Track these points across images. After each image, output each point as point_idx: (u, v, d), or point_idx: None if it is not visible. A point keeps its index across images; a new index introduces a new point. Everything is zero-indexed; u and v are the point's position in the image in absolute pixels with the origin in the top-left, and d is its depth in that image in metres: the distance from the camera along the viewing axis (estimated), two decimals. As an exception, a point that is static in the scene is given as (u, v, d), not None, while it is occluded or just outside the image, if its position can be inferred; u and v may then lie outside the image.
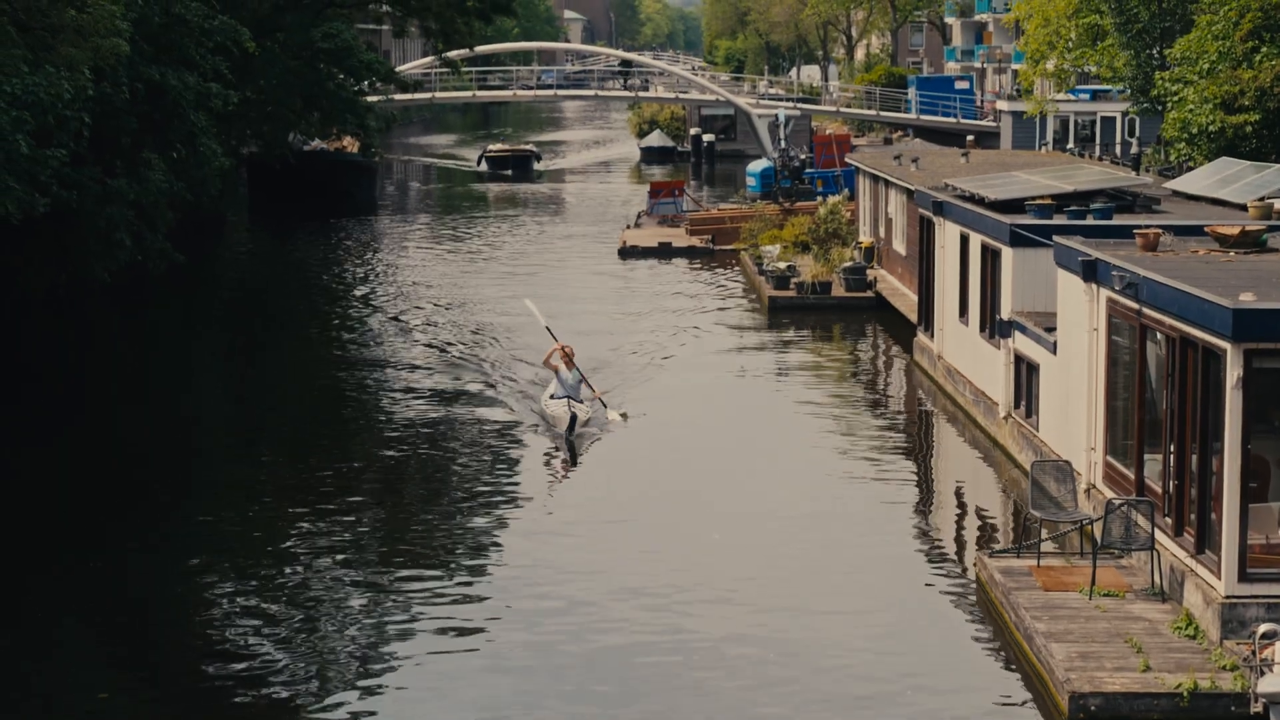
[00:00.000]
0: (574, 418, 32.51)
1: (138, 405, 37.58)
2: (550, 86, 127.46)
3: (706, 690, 20.57)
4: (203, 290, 56.09)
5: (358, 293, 54.55)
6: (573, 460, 31.51)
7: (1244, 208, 32.59)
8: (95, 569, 25.47)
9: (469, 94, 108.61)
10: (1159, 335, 23.64)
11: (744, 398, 37.70)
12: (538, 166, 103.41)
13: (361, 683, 20.60)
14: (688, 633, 22.46)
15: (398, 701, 19.96)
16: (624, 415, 34.38)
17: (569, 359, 34.46)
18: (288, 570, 24.68)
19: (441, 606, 23.15)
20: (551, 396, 33.93)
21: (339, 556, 25.35)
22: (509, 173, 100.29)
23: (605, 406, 34.54)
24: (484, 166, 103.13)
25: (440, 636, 22.06)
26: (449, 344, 43.66)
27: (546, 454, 32.33)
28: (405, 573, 24.57)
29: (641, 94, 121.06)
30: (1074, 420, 27.25)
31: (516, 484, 29.56)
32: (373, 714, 19.71)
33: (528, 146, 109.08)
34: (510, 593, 23.88)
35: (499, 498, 28.82)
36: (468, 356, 41.84)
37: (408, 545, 26.01)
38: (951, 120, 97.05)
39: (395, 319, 48.39)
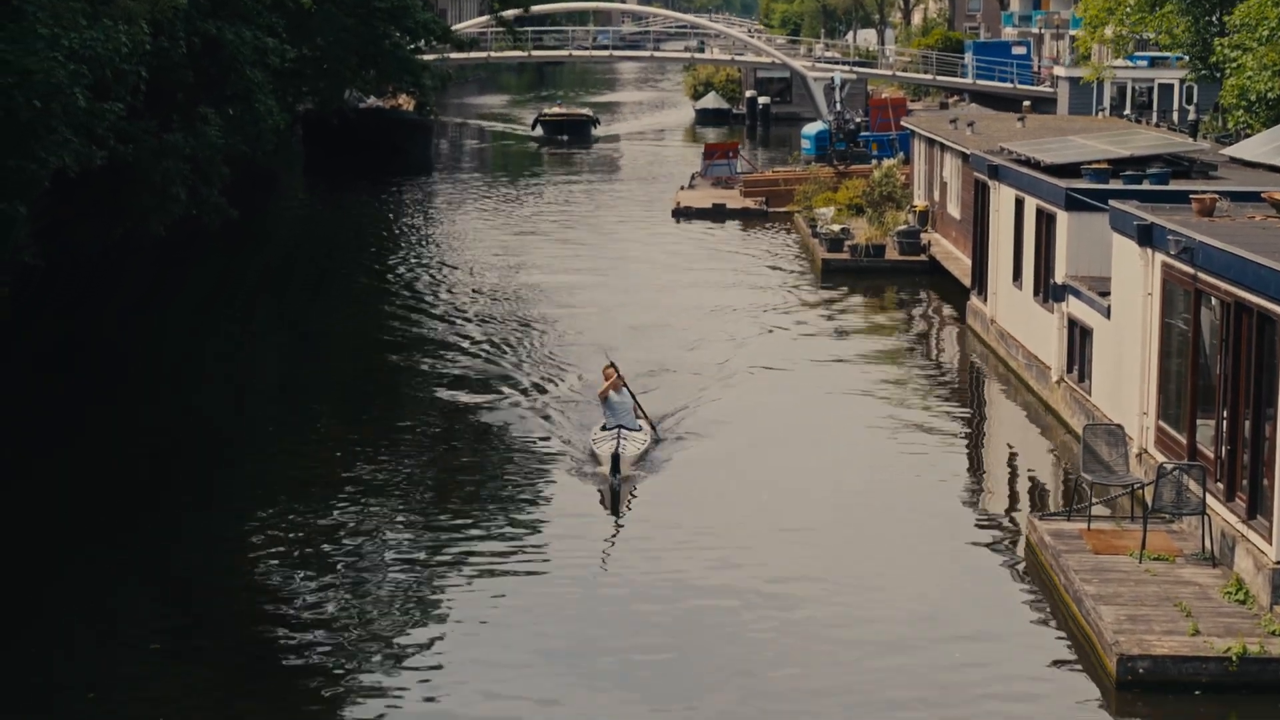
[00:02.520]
0: (617, 458, 27.27)
1: (188, 363, 37.75)
2: (606, 47, 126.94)
3: (754, 644, 20.62)
4: (256, 246, 56.22)
5: (412, 253, 54.59)
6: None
7: (1302, 174, 32.42)
8: (145, 529, 25.61)
9: (524, 54, 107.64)
10: (1214, 300, 23.56)
11: (796, 360, 37.64)
12: (595, 132, 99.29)
13: (408, 644, 20.68)
14: (736, 587, 22.50)
15: (445, 662, 19.99)
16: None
17: (618, 382, 29.66)
18: (338, 533, 24.70)
19: (490, 567, 23.15)
20: (602, 428, 29.12)
21: (388, 520, 25.35)
22: (564, 138, 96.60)
23: (655, 427, 30.06)
24: (539, 130, 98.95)
25: (488, 597, 22.11)
26: (503, 307, 43.67)
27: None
28: (455, 535, 24.53)
29: (697, 56, 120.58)
30: (1127, 384, 27.17)
31: (567, 446, 29.50)
32: (421, 676, 19.79)
33: (584, 111, 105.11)
34: (559, 551, 23.92)
35: (548, 463, 28.79)
36: (521, 321, 41.85)
37: (458, 507, 26.01)
38: (1008, 85, 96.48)
39: (448, 282, 48.41)
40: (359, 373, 37.32)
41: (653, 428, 29.92)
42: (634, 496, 26.80)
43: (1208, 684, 19.02)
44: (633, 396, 30.09)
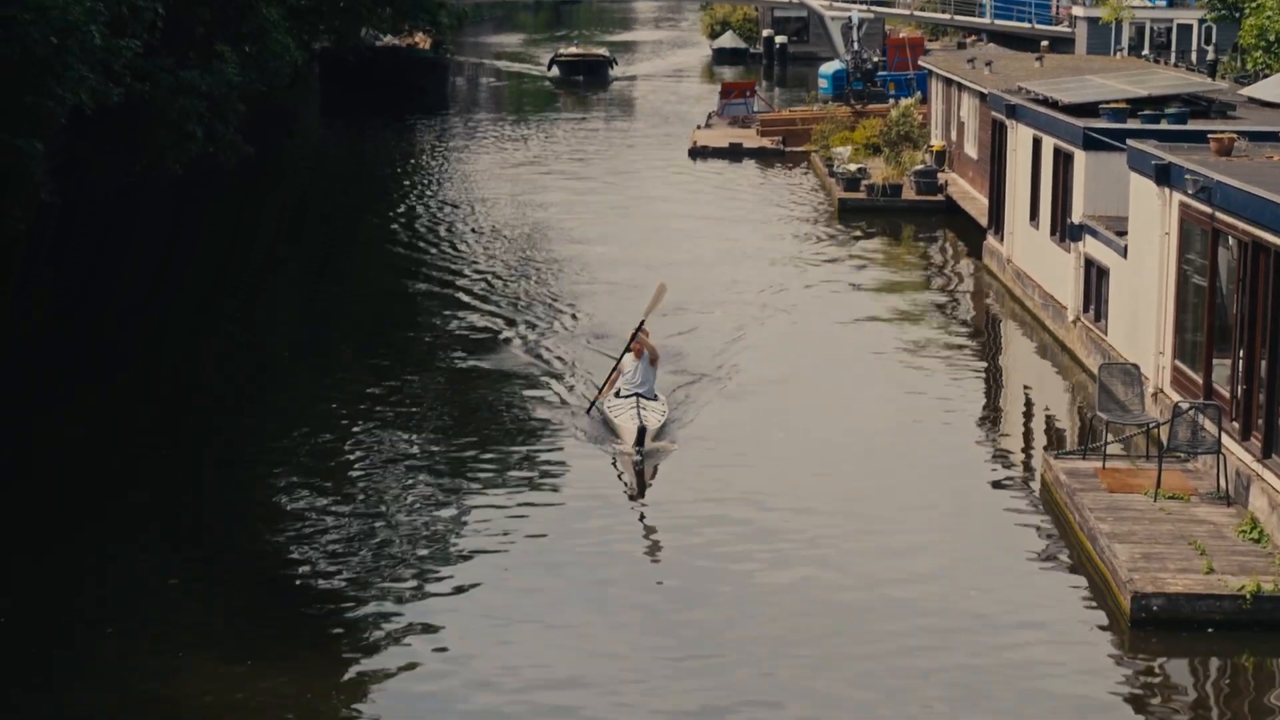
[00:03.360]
0: (643, 430, 25.12)
1: (205, 299, 37.79)
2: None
3: (770, 585, 20.67)
4: (272, 184, 56.22)
5: (427, 191, 54.61)
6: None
7: (1320, 114, 32.33)
8: (163, 464, 25.71)
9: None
10: (1231, 240, 23.53)
11: (811, 300, 37.64)
12: (613, 72, 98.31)
13: (424, 583, 20.76)
14: (754, 529, 22.56)
15: (459, 597, 20.05)
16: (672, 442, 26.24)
17: (646, 347, 27.30)
18: (354, 469, 24.76)
19: (507, 509, 23.13)
20: (618, 394, 26.88)
21: (404, 461, 25.26)
22: (580, 79, 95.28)
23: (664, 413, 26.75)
24: (555, 71, 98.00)
25: (504, 539, 22.04)
26: (519, 246, 43.69)
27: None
28: (469, 477, 24.53)
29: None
30: (1143, 324, 27.16)
31: (588, 390, 29.50)
32: (435, 615, 19.87)
33: (601, 51, 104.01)
34: (577, 500, 23.97)
35: (567, 407, 28.82)
36: (537, 259, 41.88)
37: (473, 450, 25.84)
38: (1026, 25, 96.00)
39: (464, 221, 48.42)
40: (374, 310, 37.32)
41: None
42: (656, 472, 24.96)
43: (1221, 622, 19.07)
44: (653, 367, 27.24)
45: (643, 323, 28.06)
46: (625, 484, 24.55)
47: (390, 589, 20.10)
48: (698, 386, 29.30)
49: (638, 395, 26.42)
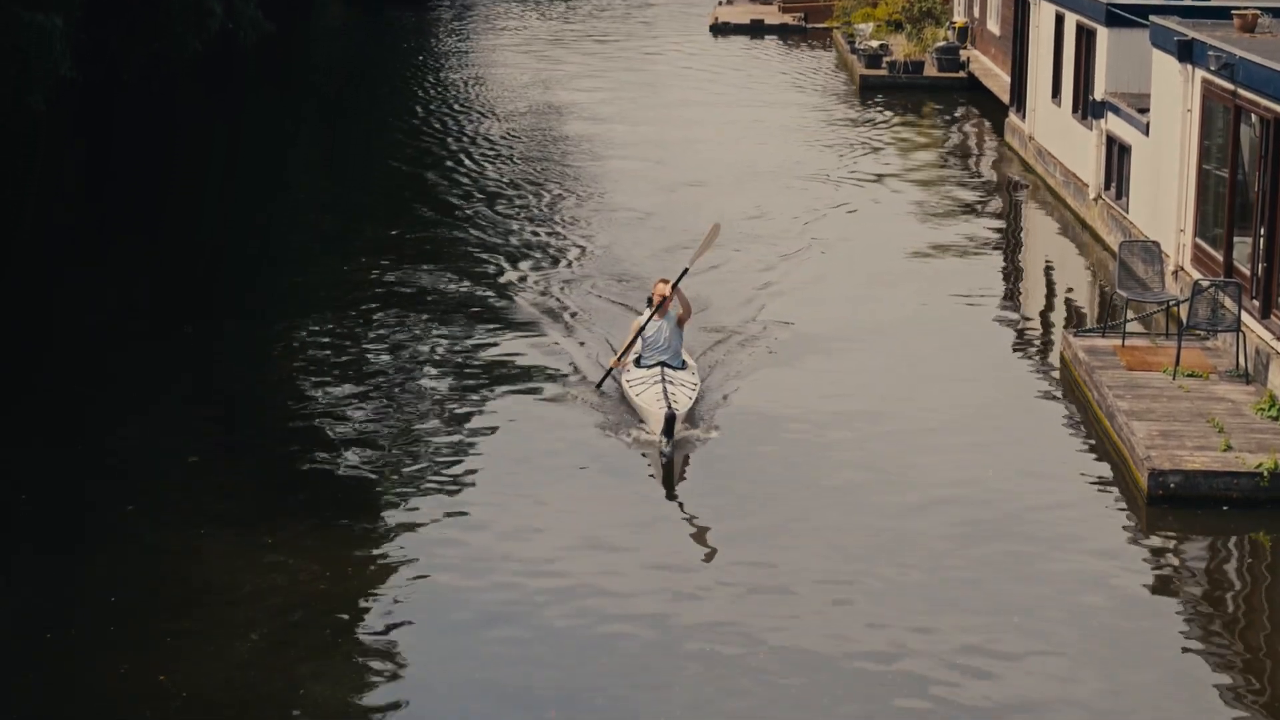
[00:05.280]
0: (671, 418, 20.59)
1: (228, 181, 37.79)
2: None
3: (784, 462, 20.74)
4: (291, 66, 55.97)
5: (451, 74, 54.39)
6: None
7: (1346, -11, 32.04)
8: (185, 342, 25.82)
9: None
10: (1253, 117, 23.42)
11: (832, 177, 37.55)
12: None
13: (441, 470, 20.85)
14: (776, 407, 22.62)
15: (479, 489, 20.12)
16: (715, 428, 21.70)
17: (664, 302, 22.77)
18: (377, 351, 24.79)
19: (526, 417, 23.10)
20: (638, 362, 22.55)
21: (420, 358, 25.22)
22: None
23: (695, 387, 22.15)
24: None
25: (526, 446, 21.59)
26: (539, 129, 43.57)
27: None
28: (485, 378, 24.50)
29: None
30: (1164, 202, 27.10)
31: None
32: (450, 501, 19.98)
33: None
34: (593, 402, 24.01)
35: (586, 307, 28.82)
36: (557, 141, 41.77)
37: (492, 353, 25.37)
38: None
39: (483, 102, 48.28)
40: (391, 200, 37.19)
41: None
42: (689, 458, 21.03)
43: (1238, 499, 19.12)
44: (680, 328, 22.95)
45: (686, 271, 23.65)
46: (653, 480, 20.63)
47: (410, 474, 20.15)
48: (709, 267, 29.19)
49: (663, 365, 22.21)
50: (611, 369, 22.83)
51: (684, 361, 22.66)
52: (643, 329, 22.61)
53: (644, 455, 20.67)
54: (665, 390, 21.30)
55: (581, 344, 25.00)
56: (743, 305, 27.09)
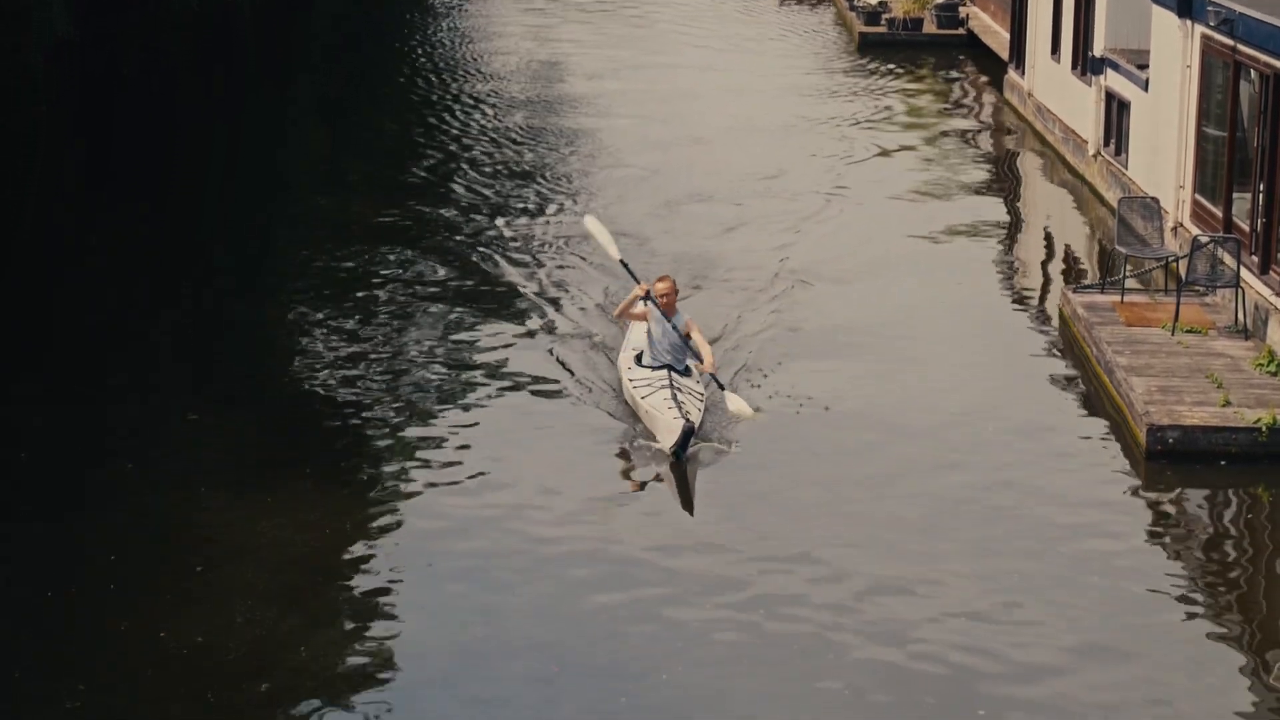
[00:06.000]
0: (688, 431, 18.62)
1: (227, 138, 37.73)
2: None
3: (779, 417, 20.73)
4: (294, 20, 55.78)
5: (445, 32, 54.21)
6: None
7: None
8: (184, 301, 25.83)
9: None
10: (1252, 73, 23.38)
11: (830, 133, 37.50)
12: None
13: (441, 425, 20.88)
14: (776, 365, 22.62)
15: (479, 446, 20.10)
16: (756, 409, 20.01)
17: (667, 300, 20.55)
18: (366, 327, 24.59)
19: (525, 378, 23.02)
20: (638, 360, 20.60)
21: (417, 320, 25.00)
22: None
23: (722, 387, 20.23)
24: None
25: (525, 408, 21.39)
26: (534, 87, 43.49)
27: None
28: (483, 341, 24.38)
29: None
30: (1163, 158, 27.06)
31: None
32: (457, 453, 20.00)
33: None
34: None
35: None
36: (549, 103, 41.69)
37: (490, 315, 25.11)
38: None
39: (477, 59, 48.17)
40: (390, 152, 37.19)
41: (717, 382, 20.43)
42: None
43: (1237, 454, 19.13)
44: (686, 327, 20.69)
45: (633, 274, 21.90)
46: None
47: (409, 435, 20.13)
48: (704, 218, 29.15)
49: (669, 369, 20.16)
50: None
51: (689, 368, 20.57)
52: (649, 332, 20.49)
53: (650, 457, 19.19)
54: (676, 398, 19.20)
55: (574, 302, 25.01)
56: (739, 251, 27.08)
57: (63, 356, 23.10)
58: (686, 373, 20.35)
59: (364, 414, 20.62)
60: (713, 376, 20.35)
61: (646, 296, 20.59)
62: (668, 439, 18.75)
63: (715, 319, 23.68)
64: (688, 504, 18.21)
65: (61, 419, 20.64)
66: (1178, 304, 22.69)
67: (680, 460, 18.63)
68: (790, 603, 15.77)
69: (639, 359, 20.53)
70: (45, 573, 16.44)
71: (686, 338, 20.48)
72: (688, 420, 18.62)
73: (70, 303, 25.55)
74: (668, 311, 20.42)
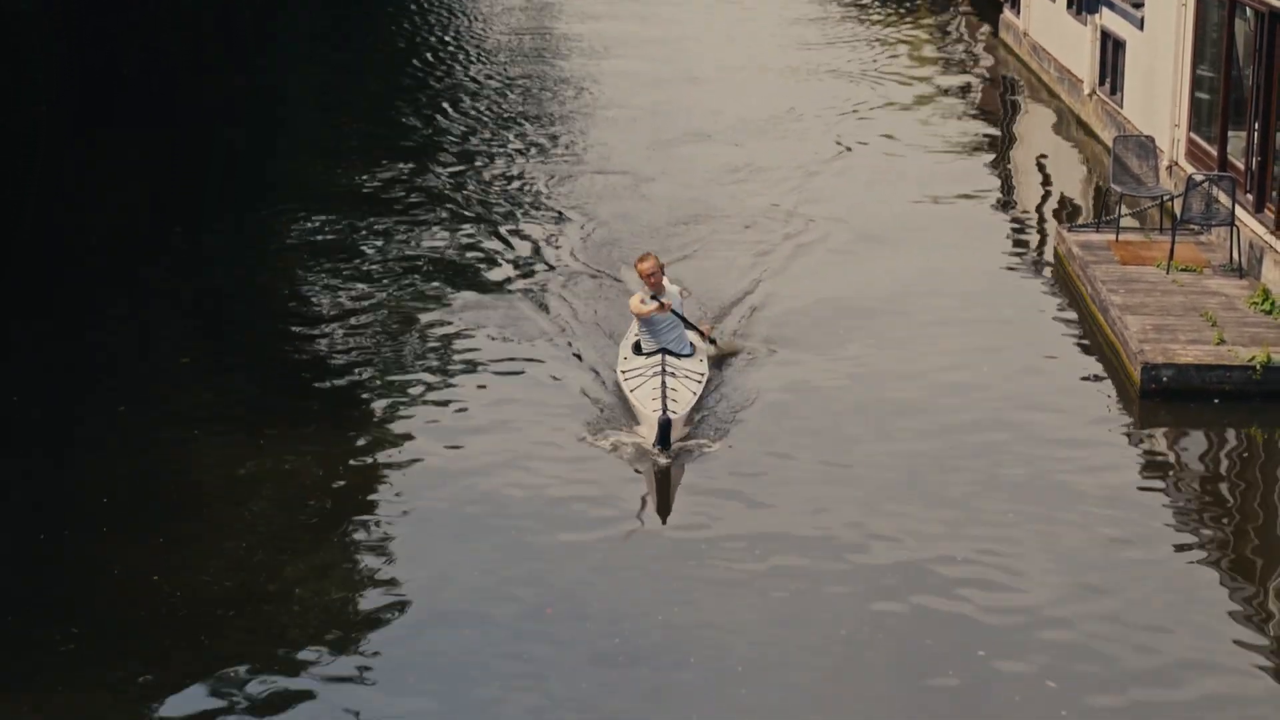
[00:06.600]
0: (666, 424, 17.44)
1: (216, 85, 37.61)
2: None
3: (778, 355, 20.73)
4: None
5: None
6: None
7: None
8: (177, 240, 25.79)
9: None
10: (1248, 11, 23.28)
11: (825, 77, 37.40)
12: None
13: (435, 371, 20.85)
14: (775, 299, 22.61)
15: (473, 395, 20.01)
16: (741, 347, 20.49)
17: (656, 279, 19.32)
18: (362, 270, 24.53)
19: (521, 318, 22.92)
20: (636, 349, 19.42)
21: (414, 263, 24.98)
22: None
23: (713, 343, 20.08)
24: None
25: (522, 349, 21.35)
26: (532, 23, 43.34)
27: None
28: (480, 282, 24.35)
29: None
30: (1159, 97, 26.99)
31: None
32: (450, 398, 19.98)
33: None
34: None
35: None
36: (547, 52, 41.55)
37: (489, 253, 25.34)
38: None
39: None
40: (387, 101, 37.11)
41: (712, 340, 20.11)
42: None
43: (1231, 392, 19.12)
44: (680, 307, 19.59)
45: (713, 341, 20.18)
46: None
47: (403, 377, 20.10)
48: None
49: (665, 351, 19.11)
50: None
51: (690, 345, 19.45)
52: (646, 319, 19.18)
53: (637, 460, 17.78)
54: (664, 386, 18.01)
55: (574, 242, 24.97)
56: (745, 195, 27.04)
57: (58, 301, 23.05)
58: (688, 353, 19.30)
59: (358, 357, 20.59)
60: (712, 341, 19.93)
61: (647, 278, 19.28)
62: (649, 434, 17.69)
63: (713, 265, 23.69)
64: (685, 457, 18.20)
65: (55, 363, 20.62)
66: (1173, 243, 22.64)
67: (666, 453, 17.42)
68: (785, 548, 15.75)
69: (637, 347, 19.44)
70: (38, 515, 16.44)
71: (682, 318, 19.44)
72: (666, 413, 17.45)
73: (68, 248, 25.49)
74: (656, 291, 19.25)
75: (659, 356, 18.82)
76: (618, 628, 14.33)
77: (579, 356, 20.61)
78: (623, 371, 19.01)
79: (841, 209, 27.02)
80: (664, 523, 16.31)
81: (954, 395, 19.47)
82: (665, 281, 19.42)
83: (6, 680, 13.57)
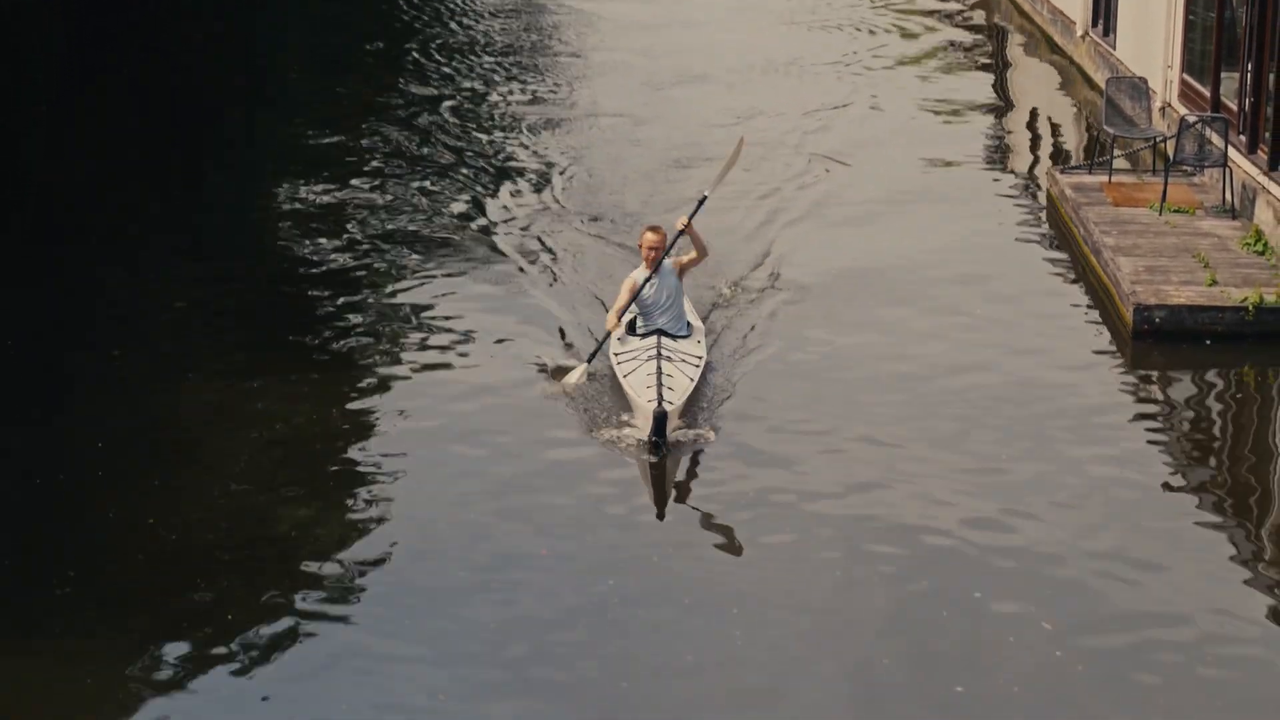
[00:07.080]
0: (662, 418, 16.22)
1: (222, 43, 37.50)
2: None
3: (775, 311, 20.72)
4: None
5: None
6: None
7: None
8: (172, 189, 25.76)
9: None
10: (1241, -51, 23.27)
11: (815, 28, 37.31)
12: None
13: (431, 321, 20.83)
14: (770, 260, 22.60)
15: (467, 345, 19.94)
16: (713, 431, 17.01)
17: (655, 253, 18.09)
18: (358, 218, 24.45)
19: (515, 274, 22.97)
20: (631, 329, 18.38)
21: (408, 216, 24.74)
22: None
23: (696, 210, 18.90)
24: None
25: (515, 300, 21.25)
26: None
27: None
28: (473, 233, 24.25)
29: None
30: (1151, 38, 26.93)
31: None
32: (447, 341, 19.96)
33: None
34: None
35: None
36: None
37: (485, 205, 25.19)
38: None
39: None
40: (383, 40, 36.99)
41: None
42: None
43: (1223, 333, 19.14)
44: (679, 280, 18.46)
45: (704, 199, 19.20)
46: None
47: (398, 324, 20.08)
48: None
49: (660, 332, 18.09)
50: (602, 344, 18.22)
51: (688, 326, 18.42)
52: (639, 292, 18.12)
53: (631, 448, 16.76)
54: (659, 373, 16.93)
55: (567, 177, 24.93)
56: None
57: (50, 245, 23.02)
58: (685, 334, 18.23)
59: (353, 299, 20.60)
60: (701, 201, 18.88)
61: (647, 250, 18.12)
62: (644, 427, 16.53)
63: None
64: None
65: (46, 305, 20.60)
66: (1165, 184, 22.63)
67: (661, 448, 16.28)
68: (781, 490, 15.77)
69: (632, 327, 18.36)
70: (32, 460, 16.42)
71: (680, 290, 18.41)
72: (662, 404, 16.32)
73: (58, 192, 25.45)
74: (652, 267, 18.10)
75: (654, 338, 17.83)
76: (610, 574, 14.34)
77: (573, 308, 20.56)
78: (615, 354, 17.88)
79: (832, 143, 26.97)
80: (663, 472, 16.31)
81: (943, 337, 19.46)
82: (667, 261, 18.19)
83: (2, 625, 13.58)
